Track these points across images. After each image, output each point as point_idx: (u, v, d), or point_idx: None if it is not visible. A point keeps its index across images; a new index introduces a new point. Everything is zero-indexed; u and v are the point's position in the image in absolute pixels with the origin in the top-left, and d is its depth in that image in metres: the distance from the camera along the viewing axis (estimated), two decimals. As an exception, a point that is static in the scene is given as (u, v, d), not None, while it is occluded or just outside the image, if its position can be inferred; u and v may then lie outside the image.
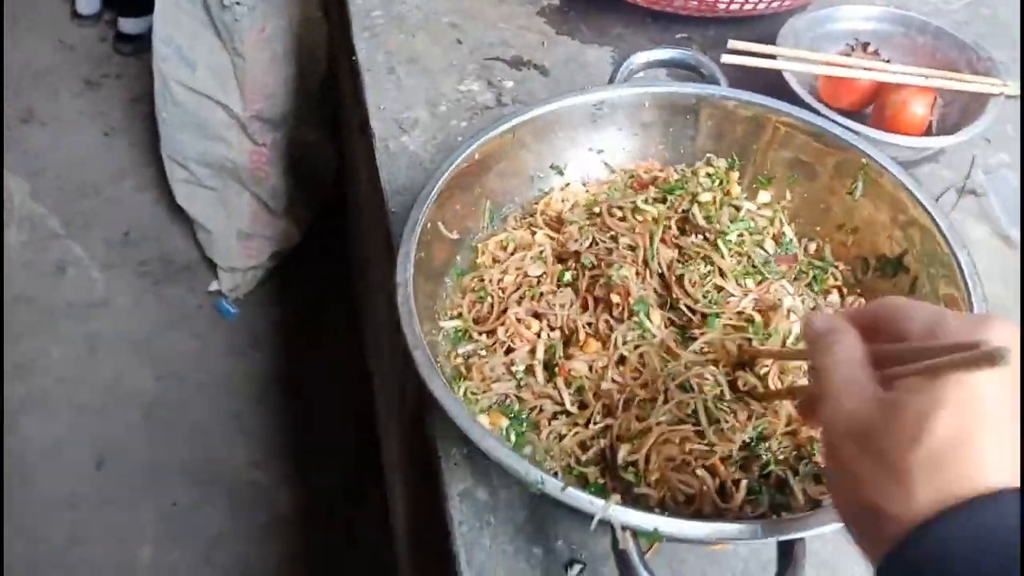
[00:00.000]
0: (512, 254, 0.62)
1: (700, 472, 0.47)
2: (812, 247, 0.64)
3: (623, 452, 0.47)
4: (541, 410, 0.52)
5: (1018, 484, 0.29)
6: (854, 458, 0.32)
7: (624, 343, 0.54)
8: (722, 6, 0.81)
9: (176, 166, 1.53)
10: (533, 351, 0.55)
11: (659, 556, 0.53)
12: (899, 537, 0.29)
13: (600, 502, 0.42)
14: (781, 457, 0.50)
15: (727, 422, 0.49)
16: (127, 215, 1.79)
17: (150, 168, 1.81)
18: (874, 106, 0.77)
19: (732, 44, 0.74)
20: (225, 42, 1.31)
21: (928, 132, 0.75)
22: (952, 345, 0.31)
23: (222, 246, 1.56)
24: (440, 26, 0.86)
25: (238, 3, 1.24)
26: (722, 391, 0.50)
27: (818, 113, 0.71)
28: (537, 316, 0.56)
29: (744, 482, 0.48)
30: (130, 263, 1.72)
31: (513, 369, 0.53)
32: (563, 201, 0.66)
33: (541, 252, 0.61)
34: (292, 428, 1.51)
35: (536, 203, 0.66)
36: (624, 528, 0.41)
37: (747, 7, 0.81)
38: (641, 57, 0.70)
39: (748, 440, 0.49)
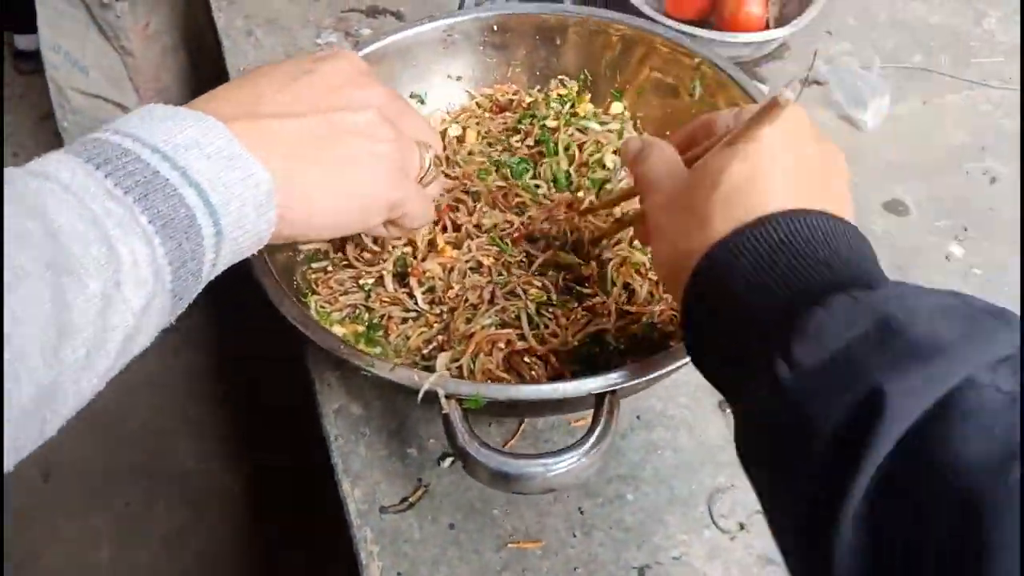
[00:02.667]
0: None
1: (529, 359, 0.50)
2: None
3: (443, 360, 0.50)
4: (390, 317, 0.54)
5: (795, 207, 0.35)
6: (670, 223, 0.38)
7: (478, 249, 0.57)
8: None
9: (86, 174, 1.52)
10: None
11: (525, 439, 0.56)
12: (697, 261, 0.35)
13: (426, 375, 0.44)
14: (622, 347, 0.52)
15: (548, 327, 0.51)
16: (49, 233, 1.78)
17: (66, 183, 1.79)
18: (715, 9, 0.80)
19: (569, -34, 0.77)
20: (112, 41, 1.31)
21: (767, 28, 0.78)
22: (747, 123, 0.37)
23: (144, 248, 1.56)
24: (296, -15, 0.87)
25: (117, 0, 1.24)
26: (549, 296, 0.53)
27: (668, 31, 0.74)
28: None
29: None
30: (57, 279, 1.71)
31: (361, 282, 0.56)
32: None
33: None
34: (235, 414, 1.52)
35: None
36: (448, 396, 0.44)
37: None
38: None
39: (579, 343, 0.51)
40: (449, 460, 0.55)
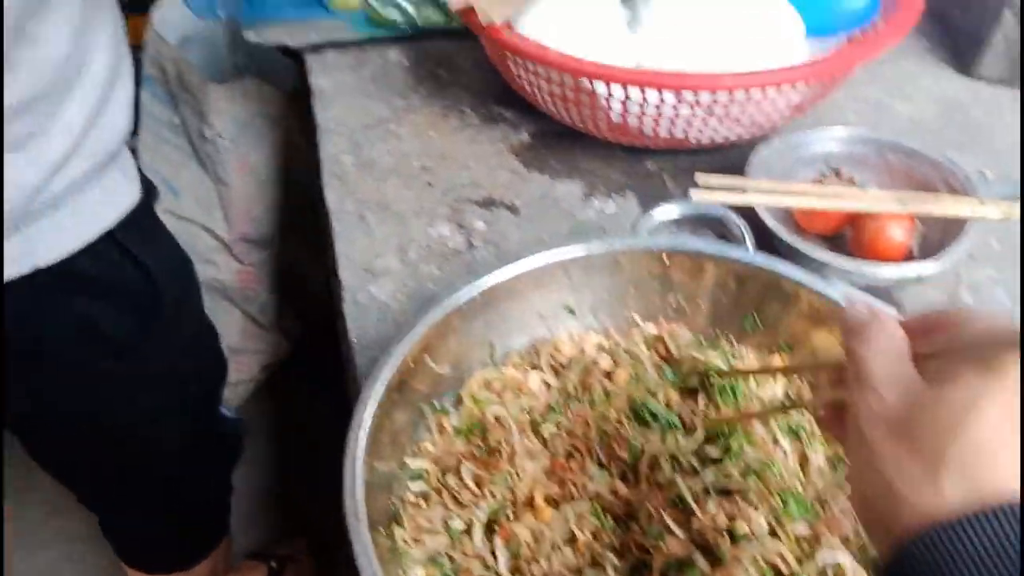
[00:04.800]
0: (499, 394, 0.60)
1: None
2: None
3: None
4: (470, 571, 0.49)
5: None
6: (889, 449, 0.31)
7: (575, 519, 0.51)
8: (692, 142, 0.80)
9: (166, 288, 1.53)
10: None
11: None
12: (922, 529, 0.29)
13: None
14: None
15: None
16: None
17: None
18: (852, 230, 0.75)
19: (701, 179, 0.74)
20: (209, 171, 1.32)
21: (909, 256, 0.73)
22: (1005, 354, 0.30)
23: (213, 365, 1.55)
24: (411, 169, 0.86)
25: (220, 136, 1.26)
26: None
27: (798, 253, 0.70)
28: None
29: None
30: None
31: (450, 524, 0.51)
32: (571, 341, 0.64)
33: (528, 411, 0.59)
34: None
35: (542, 343, 0.64)
36: None
37: (718, 141, 0.81)
38: (663, 212, 0.70)
39: None
40: None
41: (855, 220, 0.75)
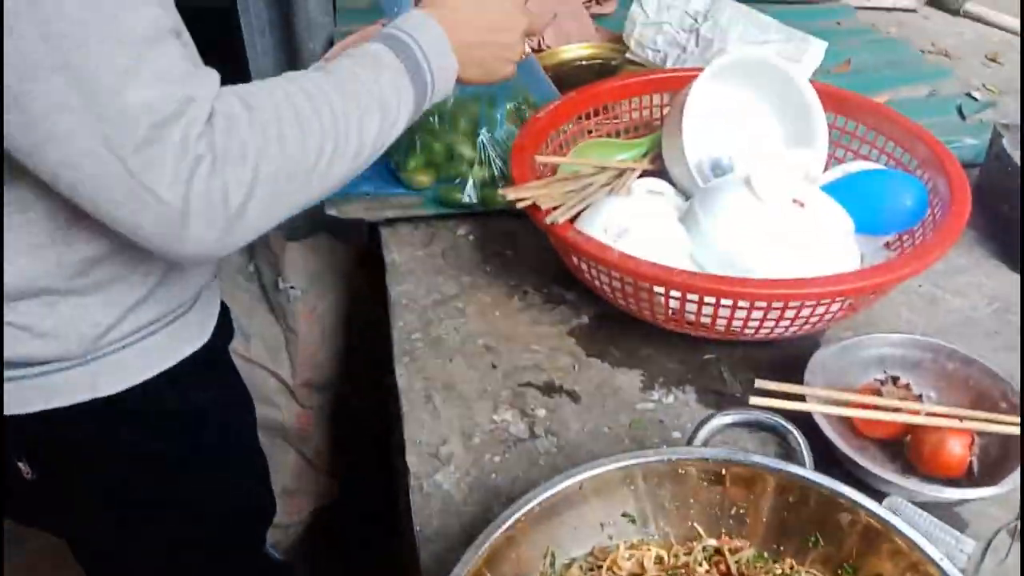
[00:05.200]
0: None
1: None
2: None
3: None
4: None
5: None
6: None
7: None
8: (749, 333, 0.83)
9: (227, 425, 1.58)
10: None
11: None
12: None
13: None
14: None
15: None
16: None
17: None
18: (911, 439, 0.76)
19: (759, 384, 0.76)
20: (279, 319, 1.40)
21: (969, 471, 0.73)
22: None
23: (266, 503, 1.57)
24: (476, 348, 0.90)
25: (292, 287, 1.34)
26: None
27: (857, 465, 0.71)
28: None
29: None
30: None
31: None
32: (632, 558, 0.65)
33: None
34: None
35: (602, 552, 0.64)
36: None
37: (772, 336, 0.83)
38: (722, 419, 0.72)
39: None
40: None
41: (914, 428, 0.76)
